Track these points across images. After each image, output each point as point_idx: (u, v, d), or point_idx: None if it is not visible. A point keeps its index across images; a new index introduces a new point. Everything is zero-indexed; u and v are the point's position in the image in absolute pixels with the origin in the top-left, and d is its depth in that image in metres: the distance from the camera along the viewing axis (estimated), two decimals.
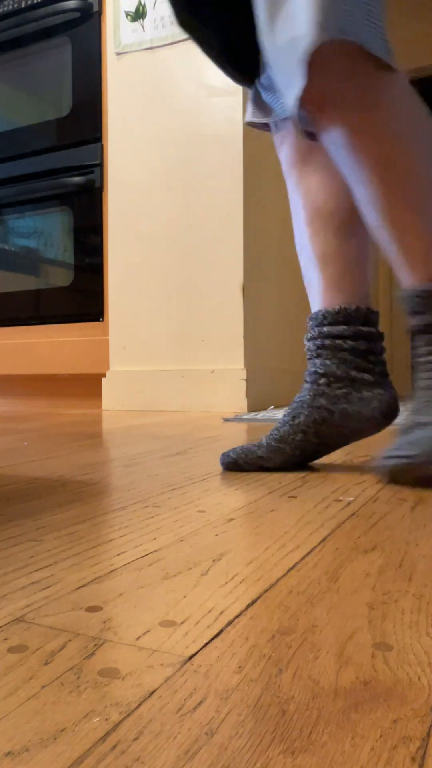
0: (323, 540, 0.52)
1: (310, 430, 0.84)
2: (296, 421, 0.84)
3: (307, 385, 0.86)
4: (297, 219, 0.92)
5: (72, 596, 0.40)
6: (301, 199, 0.91)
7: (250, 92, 0.93)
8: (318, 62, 0.72)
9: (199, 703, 0.27)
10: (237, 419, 1.69)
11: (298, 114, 0.77)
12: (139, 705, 0.27)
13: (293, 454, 0.85)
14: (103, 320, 2.24)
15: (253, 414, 1.81)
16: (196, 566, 0.45)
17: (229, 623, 0.35)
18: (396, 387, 3.56)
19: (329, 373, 0.84)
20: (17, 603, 0.39)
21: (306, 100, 0.75)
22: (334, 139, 0.77)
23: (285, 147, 0.93)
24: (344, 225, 0.91)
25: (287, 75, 0.74)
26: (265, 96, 0.90)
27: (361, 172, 0.76)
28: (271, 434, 0.86)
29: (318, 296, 0.90)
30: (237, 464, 0.86)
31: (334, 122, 0.75)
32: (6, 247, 2.46)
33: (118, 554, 0.48)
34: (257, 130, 2.10)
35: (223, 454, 0.87)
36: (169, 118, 2.08)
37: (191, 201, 2.05)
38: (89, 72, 2.24)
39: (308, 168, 0.90)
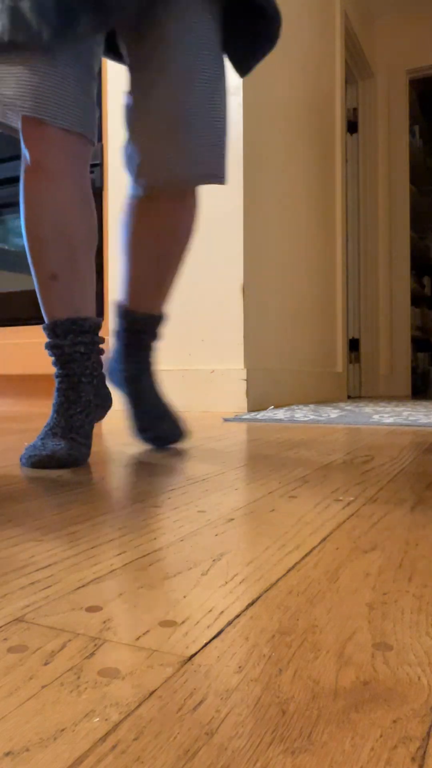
0: (323, 540, 0.52)
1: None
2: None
3: None
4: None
5: (72, 596, 0.40)
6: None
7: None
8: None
9: (199, 703, 0.27)
10: (237, 419, 1.69)
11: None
12: (139, 705, 0.27)
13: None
14: (103, 320, 2.24)
15: (253, 414, 1.81)
16: (196, 566, 0.45)
17: (229, 623, 0.35)
18: (396, 387, 3.57)
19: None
20: (17, 603, 0.39)
21: None
22: None
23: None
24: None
25: None
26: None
27: None
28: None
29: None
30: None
31: None
32: (6, 247, 2.46)
33: (118, 554, 0.48)
34: (256, 131, 2.09)
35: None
36: None
37: None
38: None
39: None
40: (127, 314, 1.12)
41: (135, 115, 1.01)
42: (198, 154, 0.99)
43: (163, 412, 1.10)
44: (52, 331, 0.96)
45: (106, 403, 1.02)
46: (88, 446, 0.95)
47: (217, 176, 1.02)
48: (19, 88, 0.88)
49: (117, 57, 1.10)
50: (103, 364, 1.03)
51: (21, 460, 0.91)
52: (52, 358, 0.97)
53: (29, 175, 0.94)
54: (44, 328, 0.97)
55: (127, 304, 1.12)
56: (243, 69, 1.04)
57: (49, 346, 0.96)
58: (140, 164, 1.02)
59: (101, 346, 0.99)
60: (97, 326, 0.98)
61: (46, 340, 2.21)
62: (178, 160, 0.99)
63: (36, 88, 0.88)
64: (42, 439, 0.93)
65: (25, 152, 0.93)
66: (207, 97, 0.97)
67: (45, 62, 0.88)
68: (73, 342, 0.95)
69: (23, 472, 0.87)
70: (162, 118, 0.98)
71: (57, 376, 0.96)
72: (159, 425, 1.09)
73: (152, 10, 0.96)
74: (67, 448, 0.90)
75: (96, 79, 0.97)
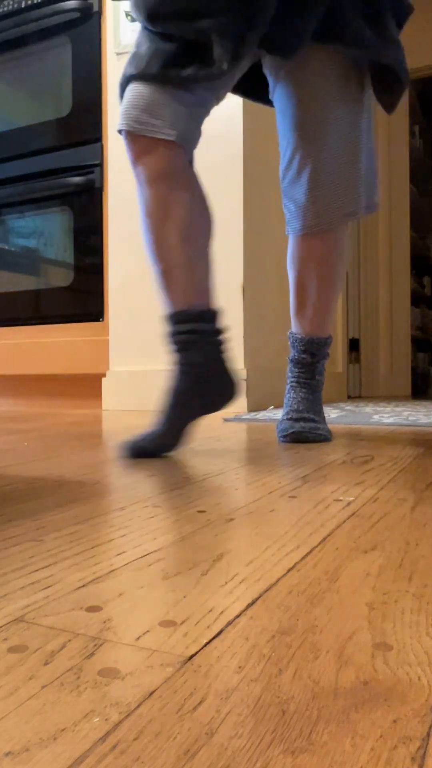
0: (323, 540, 0.52)
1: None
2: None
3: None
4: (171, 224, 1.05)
5: (72, 596, 0.40)
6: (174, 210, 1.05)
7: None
8: None
9: (199, 703, 0.27)
10: (237, 419, 1.68)
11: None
12: (139, 705, 0.27)
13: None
14: (103, 320, 2.24)
15: (253, 414, 1.81)
16: (196, 566, 0.45)
17: (229, 623, 0.35)
18: (396, 387, 3.57)
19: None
20: (17, 603, 0.39)
21: None
22: None
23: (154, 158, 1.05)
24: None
25: None
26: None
27: None
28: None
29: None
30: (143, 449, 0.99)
31: None
32: (6, 247, 2.46)
33: (118, 554, 0.48)
34: (256, 131, 2.09)
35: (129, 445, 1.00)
36: None
37: None
38: (89, 72, 2.24)
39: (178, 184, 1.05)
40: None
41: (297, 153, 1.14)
42: (359, 193, 1.13)
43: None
44: (172, 318, 1.03)
45: (225, 391, 1.06)
46: (175, 437, 1.01)
47: (375, 206, 1.16)
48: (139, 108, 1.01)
49: (250, 96, 1.25)
50: (222, 352, 1.06)
51: (124, 451, 0.99)
52: (173, 347, 1.04)
53: (154, 185, 1.02)
54: (167, 318, 1.04)
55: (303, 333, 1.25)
56: (388, 108, 1.16)
57: (170, 334, 1.04)
58: (306, 208, 1.14)
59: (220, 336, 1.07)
60: (215, 315, 1.05)
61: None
62: (345, 203, 1.13)
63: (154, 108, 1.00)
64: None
65: (140, 167, 1.02)
66: (349, 144, 1.10)
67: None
68: (189, 330, 1.02)
69: (23, 472, 0.87)
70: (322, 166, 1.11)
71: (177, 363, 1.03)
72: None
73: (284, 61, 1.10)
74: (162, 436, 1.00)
75: (208, 110, 1.08)
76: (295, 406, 1.21)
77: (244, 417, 1.71)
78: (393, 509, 0.62)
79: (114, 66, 2.17)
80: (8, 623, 0.36)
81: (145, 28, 1.01)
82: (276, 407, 2.12)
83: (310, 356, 1.22)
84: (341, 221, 1.14)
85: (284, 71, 1.11)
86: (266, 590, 0.41)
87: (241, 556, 0.47)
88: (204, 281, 1.04)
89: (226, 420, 1.69)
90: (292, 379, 1.24)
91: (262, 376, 2.09)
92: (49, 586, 0.41)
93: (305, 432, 1.17)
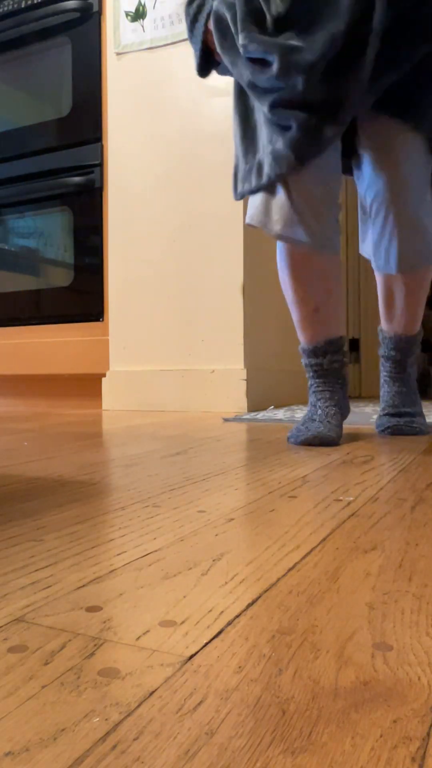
0: (323, 540, 0.52)
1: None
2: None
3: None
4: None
5: (72, 596, 0.40)
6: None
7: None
8: None
9: (199, 703, 0.27)
10: (237, 419, 1.68)
11: None
12: (139, 705, 0.27)
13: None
14: (103, 320, 2.24)
15: (253, 414, 1.81)
16: (196, 566, 0.45)
17: (229, 623, 0.35)
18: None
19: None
20: (17, 603, 0.39)
21: None
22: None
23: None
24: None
25: None
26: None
27: None
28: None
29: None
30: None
31: None
32: (6, 247, 2.46)
33: (118, 554, 0.48)
34: None
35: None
36: (169, 118, 2.08)
37: (191, 201, 2.05)
38: (89, 72, 2.24)
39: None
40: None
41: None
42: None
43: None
44: (313, 352, 1.20)
45: (345, 412, 1.22)
46: (339, 433, 1.15)
47: None
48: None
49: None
50: (347, 377, 1.23)
51: (289, 439, 1.16)
52: (310, 374, 1.22)
53: (296, 267, 1.16)
54: (304, 350, 1.21)
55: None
56: None
57: (309, 365, 1.21)
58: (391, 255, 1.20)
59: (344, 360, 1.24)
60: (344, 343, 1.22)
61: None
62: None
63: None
64: (303, 424, 1.16)
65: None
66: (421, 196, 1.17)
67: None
68: (330, 360, 1.20)
69: (23, 472, 0.87)
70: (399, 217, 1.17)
71: (312, 386, 1.22)
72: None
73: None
74: (326, 430, 1.13)
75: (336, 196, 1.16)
76: (391, 401, 1.31)
77: (244, 417, 1.71)
78: (393, 509, 0.62)
79: (114, 66, 2.17)
80: (8, 623, 0.36)
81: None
82: (276, 407, 2.12)
83: (400, 353, 1.30)
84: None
85: (368, 141, 1.18)
86: (266, 590, 0.41)
87: (241, 556, 0.47)
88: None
89: (226, 420, 1.69)
90: (385, 374, 1.34)
91: (262, 376, 2.09)
92: (49, 586, 0.41)
93: (401, 426, 1.27)
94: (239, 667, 0.30)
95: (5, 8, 2.38)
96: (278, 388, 2.21)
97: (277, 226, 1.11)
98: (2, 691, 0.28)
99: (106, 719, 0.26)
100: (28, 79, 2.39)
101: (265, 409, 2.06)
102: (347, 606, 0.38)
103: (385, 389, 1.33)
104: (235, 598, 0.39)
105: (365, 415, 1.76)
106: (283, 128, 1.07)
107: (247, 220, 1.15)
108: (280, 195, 1.10)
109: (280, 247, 1.17)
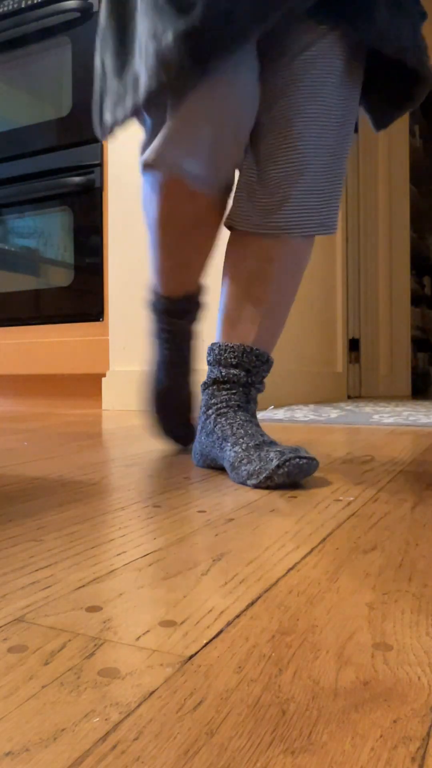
0: (323, 540, 0.52)
1: None
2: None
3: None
4: None
5: (72, 596, 0.40)
6: None
7: None
8: None
9: (199, 703, 0.27)
10: None
11: None
12: (139, 705, 0.27)
13: None
14: (103, 320, 2.24)
15: None
16: (196, 566, 0.45)
17: (229, 623, 0.35)
18: (396, 387, 3.57)
19: None
20: (17, 603, 0.39)
21: None
22: None
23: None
24: None
25: None
26: None
27: None
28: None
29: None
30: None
31: None
32: (6, 247, 2.46)
33: (118, 554, 0.48)
34: None
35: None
36: None
37: None
38: (89, 72, 2.24)
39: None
40: None
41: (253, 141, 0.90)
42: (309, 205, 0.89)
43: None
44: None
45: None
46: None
47: (328, 227, 0.92)
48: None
49: None
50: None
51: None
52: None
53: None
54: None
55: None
56: (379, 124, 0.95)
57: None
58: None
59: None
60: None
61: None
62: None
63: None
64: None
65: None
66: (329, 148, 0.87)
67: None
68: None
69: (23, 472, 0.87)
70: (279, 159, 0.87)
71: None
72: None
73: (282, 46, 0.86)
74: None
75: None
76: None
77: None
78: (393, 509, 0.62)
79: None
80: (8, 623, 0.36)
81: None
82: (276, 407, 2.12)
83: None
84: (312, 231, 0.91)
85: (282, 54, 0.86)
86: (266, 590, 0.41)
87: (241, 556, 0.47)
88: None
89: None
90: None
91: None
92: (49, 586, 0.41)
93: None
94: (239, 667, 0.30)
95: (5, 8, 2.38)
96: (278, 388, 2.21)
97: (164, 156, 0.83)
98: (2, 691, 0.28)
99: (106, 719, 0.26)
100: (28, 79, 2.39)
101: (265, 409, 2.06)
102: (347, 606, 0.38)
103: None
104: (235, 598, 0.39)
105: (365, 415, 1.76)
106: (180, 10, 0.72)
107: (141, 164, 0.87)
108: (168, 120, 0.80)
109: (152, 180, 0.89)
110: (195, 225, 0.92)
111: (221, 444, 0.83)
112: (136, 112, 0.81)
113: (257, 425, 0.86)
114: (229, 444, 0.81)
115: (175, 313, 1.03)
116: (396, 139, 3.67)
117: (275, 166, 0.87)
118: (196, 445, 0.91)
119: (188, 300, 1.03)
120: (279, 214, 0.87)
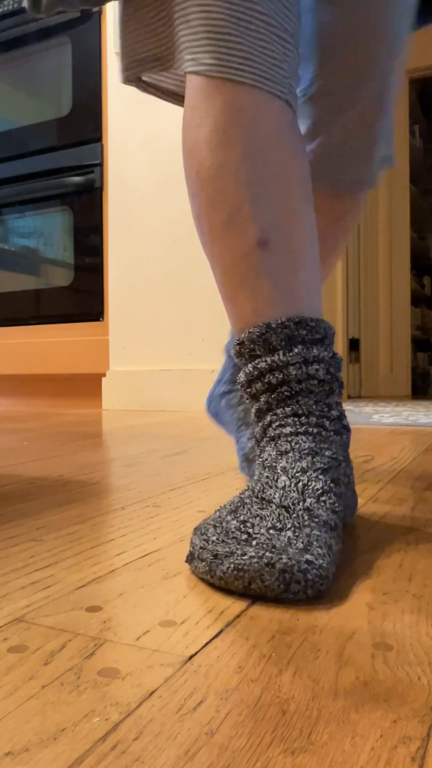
0: None
1: None
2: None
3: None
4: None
5: (72, 596, 0.40)
6: None
7: None
8: None
9: (199, 703, 0.27)
10: None
11: None
12: (139, 705, 0.27)
13: None
14: (103, 320, 2.24)
15: None
16: None
17: (229, 623, 0.35)
18: (396, 387, 3.57)
19: None
20: (17, 603, 0.39)
21: None
22: None
23: None
24: None
25: None
26: None
27: None
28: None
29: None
30: None
31: None
32: (6, 247, 2.46)
33: (118, 554, 0.48)
34: None
35: None
36: (169, 118, 2.08)
37: None
38: (89, 72, 2.24)
39: None
40: None
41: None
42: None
43: None
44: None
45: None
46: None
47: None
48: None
49: None
50: None
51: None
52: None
53: None
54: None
55: None
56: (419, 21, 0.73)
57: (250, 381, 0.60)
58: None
59: None
60: None
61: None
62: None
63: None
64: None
65: None
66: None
67: None
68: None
69: (23, 472, 0.87)
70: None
71: None
72: None
73: None
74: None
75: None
76: None
77: None
78: (393, 509, 0.62)
79: (114, 66, 2.17)
80: (8, 623, 0.36)
81: None
82: None
83: None
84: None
85: None
86: None
87: None
88: None
89: None
90: None
91: None
92: (49, 586, 0.41)
93: None
94: (239, 667, 0.30)
95: (5, 8, 2.38)
96: None
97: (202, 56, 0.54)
98: (2, 691, 0.28)
99: (106, 719, 0.26)
100: (28, 79, 2.39)
101: None
102: (347, 606, 0.38)
103: None
104: (235, 598, 0.39)
105: (365, 415, 1.76)
106: None
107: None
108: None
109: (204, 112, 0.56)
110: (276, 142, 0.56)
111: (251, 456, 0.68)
112: None
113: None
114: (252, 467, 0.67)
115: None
116: (396, 139, 3.66)
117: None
118: (222, 403, 0.76)
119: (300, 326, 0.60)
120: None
